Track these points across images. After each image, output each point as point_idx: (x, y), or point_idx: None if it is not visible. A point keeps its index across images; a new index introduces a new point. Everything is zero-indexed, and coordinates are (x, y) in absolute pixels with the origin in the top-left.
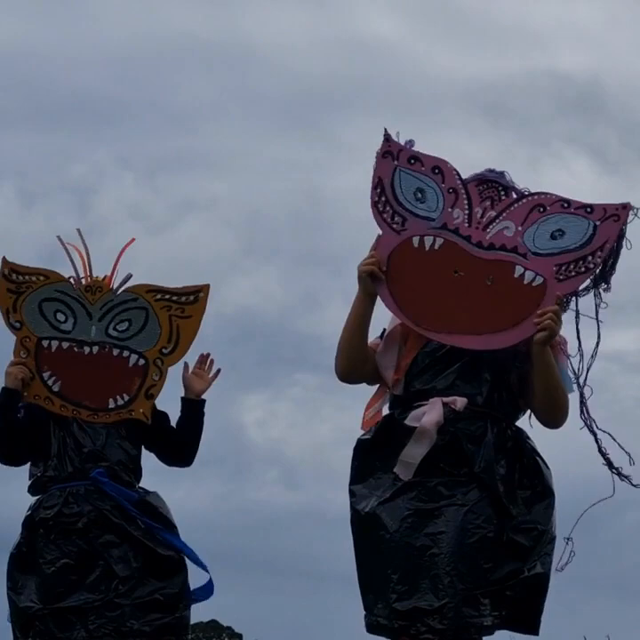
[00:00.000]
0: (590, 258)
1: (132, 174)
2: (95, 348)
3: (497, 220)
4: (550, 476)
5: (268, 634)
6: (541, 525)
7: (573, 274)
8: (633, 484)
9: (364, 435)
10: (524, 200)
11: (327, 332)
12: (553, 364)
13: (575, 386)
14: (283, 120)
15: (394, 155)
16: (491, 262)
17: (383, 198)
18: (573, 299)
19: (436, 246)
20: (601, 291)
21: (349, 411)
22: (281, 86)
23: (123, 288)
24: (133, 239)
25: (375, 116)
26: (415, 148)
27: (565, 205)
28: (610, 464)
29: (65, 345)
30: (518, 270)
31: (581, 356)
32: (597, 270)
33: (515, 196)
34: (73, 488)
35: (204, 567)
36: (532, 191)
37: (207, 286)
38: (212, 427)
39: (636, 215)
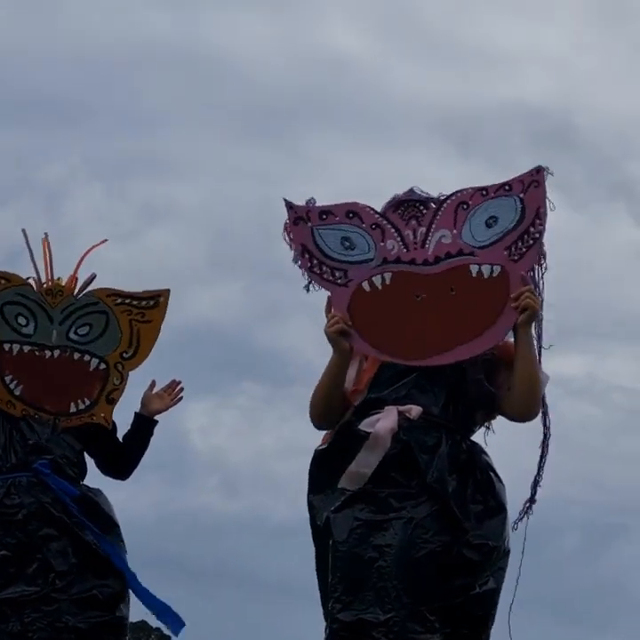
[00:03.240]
0: (532, 229)
1: (93, 178)
2: (56, 352)
3: (430, 234)
4: (503, 492)
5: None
6: (492, 541)
7: (524, 249)
8: (514, 527)
9: (320, 445)
10: (445, 205)
11: (282, 346)
12: (534, 349)
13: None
14: (246, 130)
15: (304, 218)
16: (444, 273)
17: (315, 261)
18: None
19: (388, 281)
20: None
21: (292, 421)
22: (245, 96)
23: (84, 291)
24: (104, 240)
25: (338, 129)
26: (318, 204)
27: (484, 193)
28: (531, 499)
29: (26, 349)
30: (474, 269)
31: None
32: (542, 238)
33: (434, 205)
34: (16, 479)
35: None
36: (446, 194)
37: (167, 291)
38: (156, 431)
39: (550, 174)
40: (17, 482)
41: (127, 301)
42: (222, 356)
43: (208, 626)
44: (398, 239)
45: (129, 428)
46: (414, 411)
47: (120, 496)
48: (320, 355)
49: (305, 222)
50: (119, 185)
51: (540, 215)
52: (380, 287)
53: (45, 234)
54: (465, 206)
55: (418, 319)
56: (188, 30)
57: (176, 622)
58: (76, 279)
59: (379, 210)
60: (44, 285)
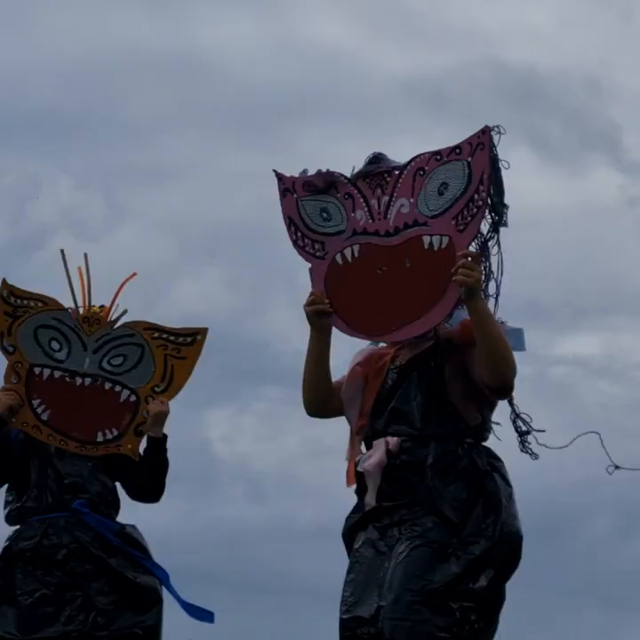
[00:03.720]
0: (476, 196)
1: (87, 190)
2: (87, 380)
3: (392, 203)
4: (508, 494)
5: None
6: (487, 540)
7: (469, 219)
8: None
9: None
10: (405, 171)
11: (298, 347)
12: (489, 314)
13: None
14: (238, 130)
15: (291, 189)
16: (402, 245)
17: (299, 233)
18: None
19: (356, 253)
20: (499, 227)
21: (315, 423)
22: (232, 96)
23: (120, 322)
24: (134, 273)
25: (332, 122)
26: (309, 174)
27: (438, 157)
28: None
29: (57, 374)
30: (426, 240)
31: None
32: (486, 206)
33: (397, 173)
34: (52, 519)
35: (197, 611)
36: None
37: (205, 330)
38: (178, 444)
39: (499, 132)
40: (54, 522)
41: (164, 336)
42: (237, 361)
43: (245, 636)
44: (366, 209)
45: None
46: (391, 443)
47: (145, 511)
48: (337, 353)
49: (291, 193)
50: (117, 193)
51: (483, 181)
52: (350, 260)
53: (85, 255)
54: (422, 173)
55: (380, 293)
56: (172, 35)
57: (205, 614)
58: (113, 307)
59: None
60: (81, 311)
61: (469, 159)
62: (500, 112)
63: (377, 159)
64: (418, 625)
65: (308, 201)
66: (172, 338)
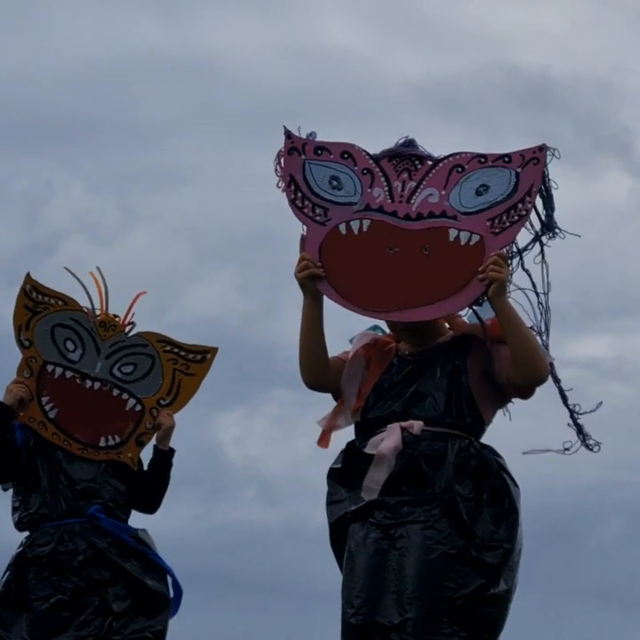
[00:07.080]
0: (520, 205)
1: (100, 194)
2: (97, 384)
3: (419, 190)
4: (518, 494)
5: None
6: (507, 544)
7: (508, 224)
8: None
9: (334, 464)
10: (441, 164)
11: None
12: (515, 312)
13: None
14: (250, 133)
15: (299, 150)
16: (423, 232)
17: (299, 194)
18: (518, 257)
19: (365, 228)
20: (547, 238)
21: None
22: (244, 100)
23: (134, 332)
24: (143, 292)
25: (340, 126)
26: (319, 139)
27: (482, 160)
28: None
29: (68, 374)
30: (452, 233)
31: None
32: (529, 216)
33: (430, 162)
34: (67, 525)
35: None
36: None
37: (215, 349)
38: (189, 446)
39: (553, 155)
40: (69, 528)
41: (175, 351)
42: (249, 364)
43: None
44: (386, 189)
45: (149, 460)
46: (416, 426)
47: (157, 514)
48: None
49: (299, 154)
50: (129, 197)
51: (531, 193)
52: (356, 232)
53: (97, 268)
54: (460, 170)
55: (386, 272)
56: (182, 38)
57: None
58: (128, 316)
59: (377, 153)
60: (99, 317)
61: (519, 170)
62: (512, 116)
63: (411, 143)
64: (446, 638)
65: (318, 165)
66: (182, 353)
